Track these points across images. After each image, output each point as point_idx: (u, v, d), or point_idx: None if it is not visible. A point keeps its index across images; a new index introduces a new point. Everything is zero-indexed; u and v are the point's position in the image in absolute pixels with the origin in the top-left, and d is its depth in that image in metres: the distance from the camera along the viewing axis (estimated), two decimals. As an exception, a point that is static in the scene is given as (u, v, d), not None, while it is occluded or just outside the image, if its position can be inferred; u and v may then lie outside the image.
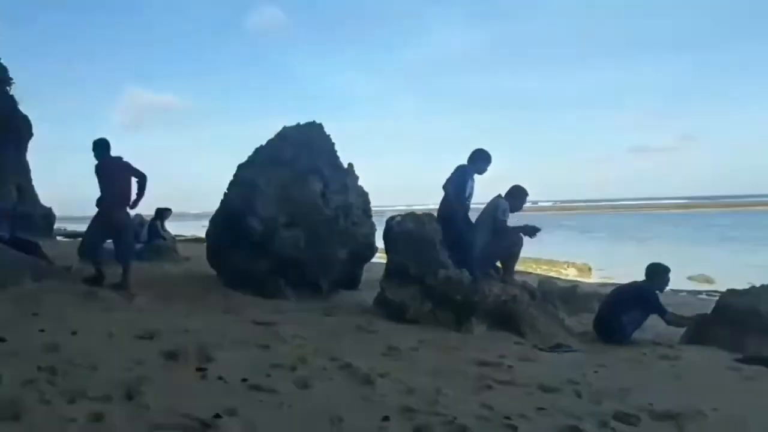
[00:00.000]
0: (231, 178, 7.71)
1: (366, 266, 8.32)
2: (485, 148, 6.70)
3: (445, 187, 6.57)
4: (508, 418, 3.40)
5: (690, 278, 15.41)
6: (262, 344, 4.77)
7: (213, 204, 8.01)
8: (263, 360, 4.27)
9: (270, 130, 7.96)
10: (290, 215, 7.11)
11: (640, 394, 4.08)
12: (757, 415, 3.82)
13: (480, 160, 6.66)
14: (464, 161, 6.64)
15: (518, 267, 9.41)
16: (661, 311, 6.20)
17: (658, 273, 6.35)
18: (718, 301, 6.50)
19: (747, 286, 6.55)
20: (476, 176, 6.68)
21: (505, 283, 6.55)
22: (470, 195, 6.62)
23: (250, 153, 7.73)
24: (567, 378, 4.43)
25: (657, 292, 6.33)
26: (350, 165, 7.89)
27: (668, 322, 6.28)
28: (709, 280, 14.66)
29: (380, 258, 7.68)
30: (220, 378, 3.75)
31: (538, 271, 15.43)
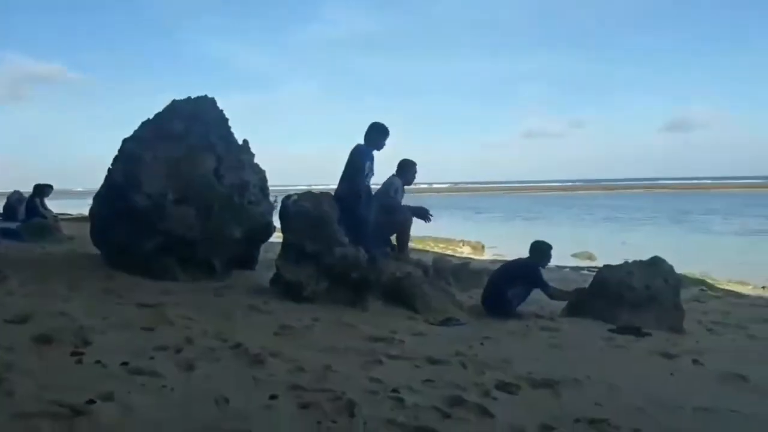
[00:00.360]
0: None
1: (265, 246, 8.16)
2: (382, 123, 6.62)
3: (345, 168, 6.54)
4: (395, 390, 3.46)
5: (574, 255, 16.40)
6: (147, 326, 4.57)
7: (100, 181, 7.54)
8: (146, 342, 4.10)
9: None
10: (180, 192, 6.80)
11: (521, 364, 4.29)
12: (626, 380, 4.13)
13: (377, 135, 6.57)
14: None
15: (417, 245, 9.64)
16: (544, 286, 6.54)
17: (541, 250, 6.69)
18: (595, 276, 6.94)
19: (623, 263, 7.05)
20: (377, 153, 6.59)
21: (399, 260, 6.66)
22: (370, 174, 6.58)
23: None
24: (455, 350, 4.59)
25: (540, 267, 6.66)
26: (245, 141, 7.65)
27: (550, 296, 6.64)
28: (591, 257, 15.65)
29: (279, 238, 7.55)
30: (97, 362, 3.56)
31: (435, 249, 15.83)
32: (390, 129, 6.63)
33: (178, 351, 3.98)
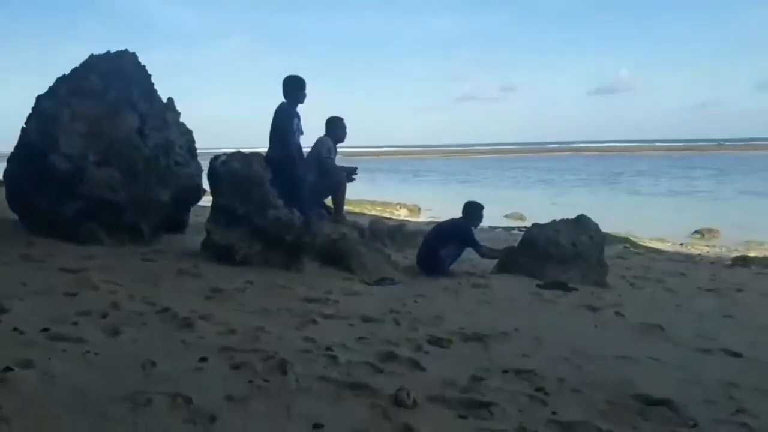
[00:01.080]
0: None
1: (196, 210, 7.93)
2: (296, 74, 6.43)
3: (271, 130, 6.37)
4: (329, 348, 3.47)
5: (506, 216, 16.86)
6: (69, 292, 4.37)
7: (12, 141, 7.07)
8: (69, 308, 3.92)
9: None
10: (102, 153, 6.45)
11: (453, 320, 4.39)
12: (552, 332, 4.30)
13: (294, 89, 6.37)
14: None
15: (353, 209, 9.60)
16: (475, 245, 6.68)
17: (473, 210, 6.82)
18: (524, 234, 7.14)
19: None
20: (301, 107, 6.43)
21: (336, 222, 6.62)
22: (298, 132, 6.41)
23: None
24: (389, 308, 4.64)
25: (472, 227, 6.79)
26: (170, 99, 7.32)
27: (481, 255, 6.79)
28: (522, 218, 16.12)
29: (210, 202, 7.33)
30: (15, 329, 3.38)
31: (372, 212, 15.92)
32: (306, 80, 6.41)
33: (103, 316, 3.83)
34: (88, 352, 3.12)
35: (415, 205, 18.61)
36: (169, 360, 3.09)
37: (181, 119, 7.49)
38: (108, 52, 7.07)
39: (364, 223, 8.16)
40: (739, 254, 10.88)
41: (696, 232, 14.20)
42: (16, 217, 7.09)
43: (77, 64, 7.00)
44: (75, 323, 3.61)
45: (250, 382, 2.87)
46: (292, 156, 6.28)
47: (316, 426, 2.44)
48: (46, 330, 3.40)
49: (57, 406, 2.43)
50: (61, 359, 2.99)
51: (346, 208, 7.23)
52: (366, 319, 4.27)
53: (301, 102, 6.43)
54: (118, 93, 6.79)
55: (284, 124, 6.29)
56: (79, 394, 2.57)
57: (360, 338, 3.77)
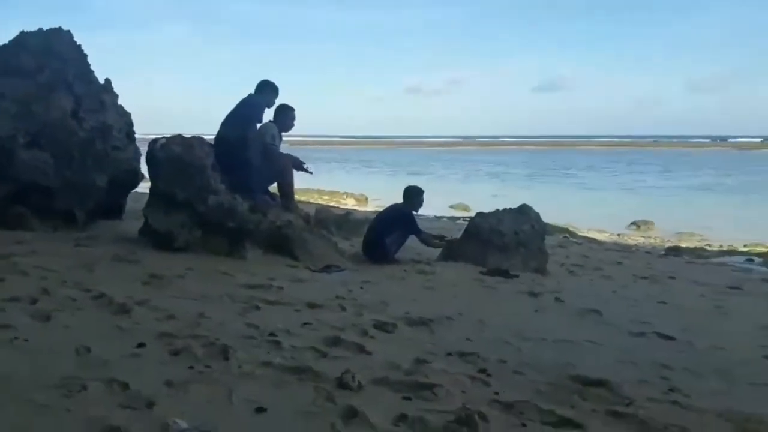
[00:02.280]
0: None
1: (133, 196, 7.67)
2: (271, 79, 6.51)
3: (233, 113, 6.24)
4: (272, 334, 3.41)
5: (451, 206, 17.07)
6: (-5, 278, 4.15)
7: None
8: (-5, 294, 3.72)
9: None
10: (33, 135, 6.13)
11: (398, 305, 4.39)
12: (495, 317, 4.36)
13: (269, 91, 6.44)
14: (243, 91, 6.34)
15: (300, 197, 9.50)
16: (416, 231, 6.74)
17: (413, 194, 6.86)
18: (468, 223, 7.22)
19: (494, 211, 7.35)
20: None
21: (287, 209, 6.46)
22: (265, 125, 6.39)
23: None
24: (334, 295, 4.60)
25: (414, 213, 6.83)
26: (108, 81, 7.02)
27: (422, 241, 6.86)
28: (466, 208, 16.34)
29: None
30: (-65, 318, 3.18)
31: (320, 201, 15.80)
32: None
33: (33, 302, 3.67)
34: (16, 338, 2.98)
35: (363, 195, 18.60)
36: (104, 346, 2.98)
37: (120, 102, 7.22)
38: (40, 29, 6.72)
39: (311, 210, 8.08)
40: (671, 244, 11.36)
41: (632, 223, 14.73)
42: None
43: (6, 41, 6.63)
44: (2, 309, 3.45)
45: (190, 367, 2.80)
46: (247, 140, 6.14)
47: (259, 410, 2.40)
48: (-31, 317, 3.22)
49: (-19, 394, 2.30)
50: (-14, 346, 2.84)
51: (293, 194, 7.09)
52: (311, 305, 4.22)
53: (269, 106, 6.46)
54: (52, 73, 6.47)
55: (253, 112, 6.26)
56: (5, 381, 2.44)
57: (305, 324, 3.72)
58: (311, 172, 6.77)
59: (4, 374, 2.51)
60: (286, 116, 6.59)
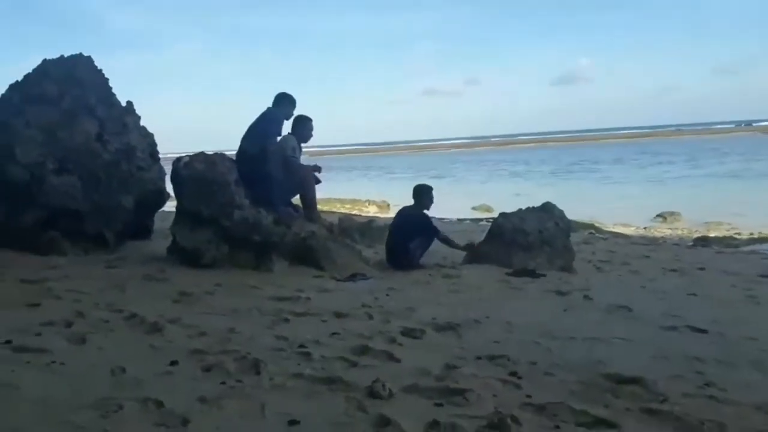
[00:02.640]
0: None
1: (160, 215, 7.80)
2: (288, 92, 6.57)
3: (252, 127, 6.34)
4: (302, 346, 3.45)
5: (473, 208, 17.00)
6: (31, 303, 4.25)
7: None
8: (32, 319, 3.82)
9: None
10: (60, 161, 6.27)
11: (425, 311, 4.40)
12: (523, 318, 4.34)
13: (287, 104, 6.51)
14: (260, 105, 6.42)
15: (322, 207, 9.57)
16: (435, 231, 6.72)
17: (422, 193, 6.86)
18: (492, 224, 7.20)
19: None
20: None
21: (311, 220, 6.52)
22: (284, 138, 6.47)
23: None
24: (361, 303, 4.62)
25: (425, 210, 6.80)
26: (129, 103, 7.17)
27: (442, 241, 6.84)
28: (488, 209, 16.25)
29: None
30: (-24, 344, 3.28)
31: (342, 210, 15.87)
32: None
33: (68, 325, 3.74)
34: (54, 362, 3.05)
35: (384, 201, 18.62)
36: (138, 365, 3.03)
37: (142, 123, 7.36)
38: (62, 56, 6.89)
39: (333, 220, 8.13)
40: (699, 235, 11.18)
41: (658, 215, 14.53)
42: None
43: (29, 71, 6.80)
44: (38, 334, 3.52)
45: (222, 383, 2.84)
46: (270, 152, 6.22)
47: (292, 422, 2.43)
48: (8, 342, 3.31)
49: (21, 418, 2.37)
50: (25, 370, 2.92)
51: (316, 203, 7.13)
52: (338, 315, 4.25)
53: (288, 119, 6.53)
54: (75, 99, 6.61)
55: (273, 125, 6.32)
56: (44, 404, 2.50)
57: (333, 334, 3.75)
58: (319, 181, 6.80)
59: (43, 397, 2.57)
60: (304, 127, 6.66)
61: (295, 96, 6.57)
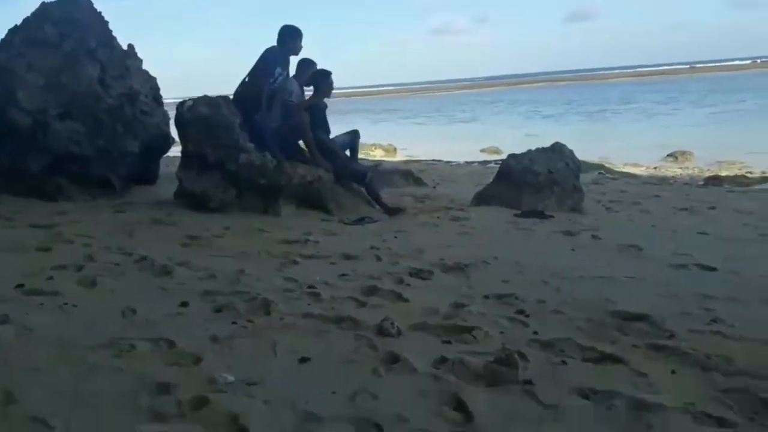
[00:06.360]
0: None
1: (165, 160, 7.77)
2: (291, 23, 6.33)
3: (251, 70, 6.18)
4: (311, 287, 3.47)
5: (482, 150, 16.85)
6: (42, 248, 4.31)
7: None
8: (43, 263, 3.86)
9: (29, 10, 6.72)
10: (64, 105, 6.19)
11: (433, 252, 4.40)
12: (531, 258, 4.34)
13: (289, 39, 6.22)
14: (264, 43, 6.22)
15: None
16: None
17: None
18: (501, 165, 7.12)
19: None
20: (293, 58, 6.33)
21: (315, 164, 6.41)
22: (280, 78, 6.20)
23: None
24: (369, 245, 4.63)
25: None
26: (131, 46, 7.02)
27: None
28: (497, 151, 16.10)
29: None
30: (-12, 287, 3.32)
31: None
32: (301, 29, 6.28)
33: (79, 269, 3.78)
34: (66, 304, 3.09)
35: (391, 145, 18.46)
36: (149, 307, 3.07)
37: (144, 67, 7.23)
38: (60, -1, 6.71)
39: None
40: (711, 174, 11.05)
41: (669, 155, 14.33)
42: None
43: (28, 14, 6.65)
44: (50, 278, 3.56)
45: (233, 323, 2.87)
46: (259, 99, 6.07)
47: (303, 360, 2.46)
48: (20, 286, 3.35)
49: (37, 358, 2.41)
50: (39, 312, 2.97)
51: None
52: (347, 257, 4.26)
53: (296, 53, 6.32)
54: (76, 42, 6.47)
55: (267, 66, 6.13)
56: (58, 345, 2.55)
57: (342, 275, 3.77)
58: None
59: (57, 337, 2.62)
60: (324, 83, 6.40)
61: (297, 27, 6.29)
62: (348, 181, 6.49)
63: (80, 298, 3.20)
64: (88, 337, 2.62)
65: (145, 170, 7.07)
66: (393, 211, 6.14)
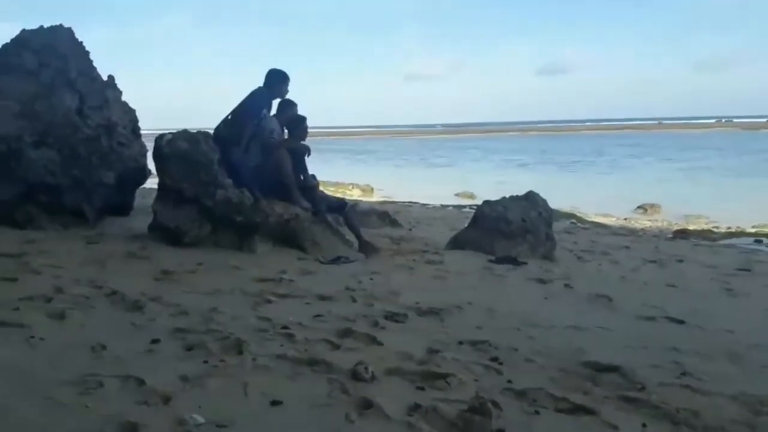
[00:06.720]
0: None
1: (141, 192, 7.70)
2: (280, 68, 6.42)
3: (234, 110, 6.22)
4: (285, 327, 3.44)
5: (457, 194, 17.07)
6: (9, 277, 4.19)
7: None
8: (9, 294, 3.76)
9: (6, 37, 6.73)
10: (39, 134, 6.14)
11: (408, 295, 4.41)
12: (504, 305, 4.37)
13: (277, 83, 6.33)
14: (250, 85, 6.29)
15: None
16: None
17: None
18: (476, 211, 7.21)
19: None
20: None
21: (293, 203, 6.41)
22: (264, 120, 6.24)
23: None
24: (344, 286, 4.62)
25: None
26: (111, 77, 7.02)
27: None
28: (471, 196, 16.34)
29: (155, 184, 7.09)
30: (-49, 318, 3.22)
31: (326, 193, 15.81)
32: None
33: (48, 300, 3.70)
34: (33, 337, 3.01)
35: (368, 185, 18.61)
36: (119, 343, 3.01)
37: (123, 98, 7.23)
38: (41, 27, 6.72)
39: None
40: (679, 227, 11.33)
41: (639, 207, 14.69)
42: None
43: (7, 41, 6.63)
44: (16, 309, 3.48)
45: (204, 362, 2.83)
46: (239, 139, 6.10)
47: (275, 403, 2.43)
48: (-16, 317, 3.25)
49: (2, 394, 2.33)
50: (3, 346, 2.88)
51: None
52: (322, 298, 4.24)
53: (281, 97, 6.41)
54: (55, 71, 6.46)
55: (254, 106, 6.18)
56: (24, 379, 2.47)
57: (316, 316, 3.75)
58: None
59: (25, 372, 2.54)
60: (299, 128, 6.49)
61: (285, 71, 6.39)
62: (329, 212, 6.52)
63: (48, 331, 3.11)
64: (54, 372, 2.56)
65: (121, 202, 6.99)
66: (370, 247, 6.17)
